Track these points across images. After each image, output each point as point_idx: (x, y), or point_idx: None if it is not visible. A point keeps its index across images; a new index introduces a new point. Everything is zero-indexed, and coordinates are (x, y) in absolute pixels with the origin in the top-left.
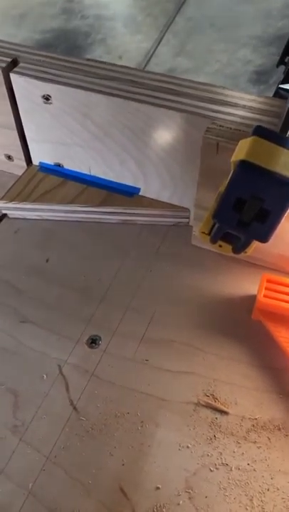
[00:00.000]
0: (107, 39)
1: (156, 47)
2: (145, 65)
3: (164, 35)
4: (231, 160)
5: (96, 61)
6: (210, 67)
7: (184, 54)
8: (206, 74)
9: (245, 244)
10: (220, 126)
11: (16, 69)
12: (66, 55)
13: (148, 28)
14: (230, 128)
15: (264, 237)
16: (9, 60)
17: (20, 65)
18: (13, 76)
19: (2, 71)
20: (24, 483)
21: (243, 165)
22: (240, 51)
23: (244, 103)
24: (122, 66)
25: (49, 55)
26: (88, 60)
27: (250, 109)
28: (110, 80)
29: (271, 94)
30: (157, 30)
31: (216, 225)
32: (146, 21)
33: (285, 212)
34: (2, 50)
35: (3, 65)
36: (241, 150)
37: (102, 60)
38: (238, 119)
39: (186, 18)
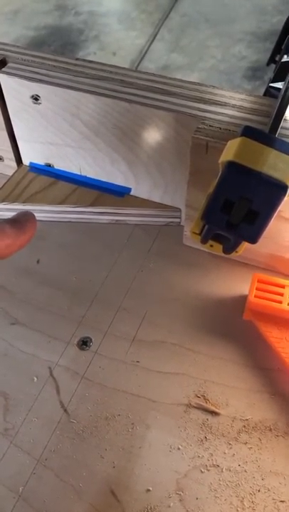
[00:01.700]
0: (101, 35)
1: (151, 43)
2: (139, 62)
3: (158, 31)
4: (219, 161)
5: (86, 61)
6: (205, 63)
7: (178, 50)
8: (201, 70)
9: (235, 245)
10: (209, 126)
11: (4, 69)
12: (56, 54)
13: (142, 25)
14: (220, 128)
15: (253, 238)
16: None
17: (9, 64)
18: (1, 76)
19: None
20: (14, 486)
21: (231, 166)
22: (235, 47)
23: (234, 102)
24: (111, 66)
25: (38, 55)
26: (78, 59)
27: (240, 108)
28: (100, 79)
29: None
30: (152, 26)
31: (206, 226)
32: (140, 17)
33: (274, 213)
34: None
35: None
36: (229, 151)
37: (96, 56)
38: (228, 119)
39: (181, 13)
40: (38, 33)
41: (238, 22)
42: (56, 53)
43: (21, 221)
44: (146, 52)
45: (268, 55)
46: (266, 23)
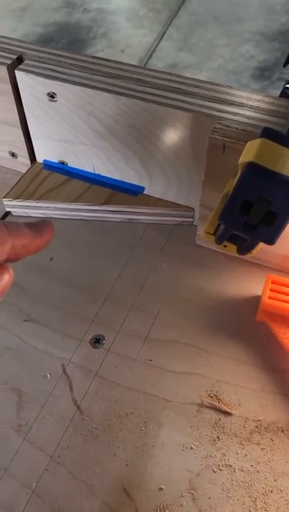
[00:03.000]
0: (110, 33)
1: (159, 41)
2: (147, 60)
3: (166, 30)
4: (239, 162)
5: (102, 59)
6: (212, 62)
7: (186, 49)
8: (209, 69)
9: (251, 246)
10: (226, 126)
11: (21, 66)
12: (71, 52)
13: (151, 23)
14: (237, 128)
15: (271, 240)
16: (14, 57)
17: (26, 62)
18: (18, 73)
19: (7, 68)
20: (28, 482)
21: (251, 167)
22: (243, 46)
23: (251, 103)
24: (127, 64)
25: (54, 52)
26: (94, 57)
27: (257, 109)
28: (116, 78)
29: (274, 90)
30: (160, 24)
31: (222, 227)
32: (148, 15)
33: None
34: (7, 46)
35: (8, 62)
36: (249, 152)
37: (104, 53)
38: (245, 120)
39: (189, 12)
40: (46, 29)
41: (246, 21)
42: (73, 51)
43: (38, 225)
44: (154, 51)
45: (276, 55)
46: (274, 23)
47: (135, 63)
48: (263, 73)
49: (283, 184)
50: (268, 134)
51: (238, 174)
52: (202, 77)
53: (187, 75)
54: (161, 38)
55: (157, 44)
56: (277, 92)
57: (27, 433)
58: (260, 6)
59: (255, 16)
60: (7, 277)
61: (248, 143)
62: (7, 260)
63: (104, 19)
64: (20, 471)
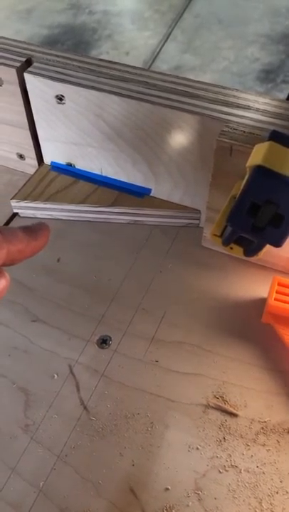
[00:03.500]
0: (114, 35)
1: (164, 43)
2: (152, 62)
3: (171, 32)
4: (247, 165)
5: (110, 62)
6: (217, 65)
7: (191, 51)
8: (213, 71)
9: (258, 248)
10: (234, 129)
11: (29, 69)
12: (79, 54)
13: (155, 25)
14: (244, 131)
15: (278, 242)
16: (23, 59)
17: (34, 64)
18: (27, 76)
19: (16, 71)
20: (35, 481)
21: (259, 170)
22: (247, 49)
23: (258, 106)
24: (135, 67)
25: (63, 55)
26: (101, 60)
27: (264, 112)
28: (124, 81)
29: (279, 92)
30: (165, 26)
31: (229, 229)
32: (153, 17)
33: None
34: (16, 49)
35: (17, 64)
36: (257, 155)
37: (109, 55)
38: (252, 122)
39: (194, 14)
40: (52, 31)
41: (251, 24)
42: (81, 53)
43: (34, 229)
44: (158, 53)
45: (281, 58)
46: (280, 26)
47: (140, 65)
48: (267, 76)
49: None
50: (276, 137)
51: (246, 177)
52: (206, 79)
53: (191, 77)
54: (166, 40)
55: (162, 46)
56: (282, 95)
57: (34, 432)
58: (265, 8)
59: (260, 19)
60: (3, 282)
61: (256, 146)
62: (3, 265)
63: (109, 21)
64: (28, 470)
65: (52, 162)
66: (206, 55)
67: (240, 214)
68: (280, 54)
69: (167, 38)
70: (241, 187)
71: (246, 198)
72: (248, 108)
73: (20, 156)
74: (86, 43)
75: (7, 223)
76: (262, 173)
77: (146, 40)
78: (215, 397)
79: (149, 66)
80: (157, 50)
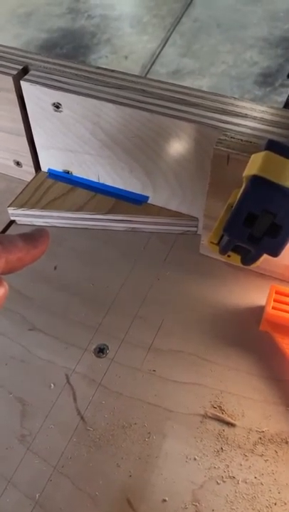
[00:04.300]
0: (113, 39)
1: (163, 47)
2: (151, 66)
3: (170, 36)
4: (243, 175)
5: (107, 69)
6: (216, 68)
7: (189, 55)
8: (212, 75)
9: (256, 257)
10: (231, 137)
11: (26, 76)
12: (76, 62)
13: (154, 29)
14: (241, 140)
15: (275, 252)
16: (20, 67)
17: (31, 72)
18: (23, 84)
19: (13, 79)
20: (31, 493)
21: (256, 180)
22: (246, 52)
23: (255, 114)
24: (132, 75)
25: (59, 63)
26: (98, 68)
27: (261, 120)
28: (121, 88)
29: (277, 96)
30: (163, 30)
31: (226, 238)
32: (152, 22)
33: None
34: (13, 57)
35: (14, 72)
36: (254, 165)
37: (107, 59)
38: (249, 131)
39: (193, 18)
40: (51, 35)
41: (249, 28)
42: (77, 61)
43: (34, 236)
44: (157, 57)
45: (279, 61)
46: (278, 30)
47: (138, 69)
48: (266, 79)
49: (287, 197)
50: (272, 146)
51: (243, 187)
52: (205, 82)
53: (190, 80)
54: (165, 44)
55: (161, 50)
56: (280, 98)
57: (31, 443)
58: (264, 12)
59: (258, 23)
60: (2, 290)
61: (253, 155)
62: (2, 273)
63: (108, 25)
64: (24, 481)
65: (49, 169)
66: (204, 59)
67: (236, 224)
68: (278, 58)
69: (166, 41)
70: (238, 197)
71: (243, 208)
72: (245, 116)
73: (18, 163)
74: (85, 47)
75: (4, 231)
76: (258, 183)
77: (145, 44)
78: (212, 406)
79: (148, 70)
80: (156, 54)
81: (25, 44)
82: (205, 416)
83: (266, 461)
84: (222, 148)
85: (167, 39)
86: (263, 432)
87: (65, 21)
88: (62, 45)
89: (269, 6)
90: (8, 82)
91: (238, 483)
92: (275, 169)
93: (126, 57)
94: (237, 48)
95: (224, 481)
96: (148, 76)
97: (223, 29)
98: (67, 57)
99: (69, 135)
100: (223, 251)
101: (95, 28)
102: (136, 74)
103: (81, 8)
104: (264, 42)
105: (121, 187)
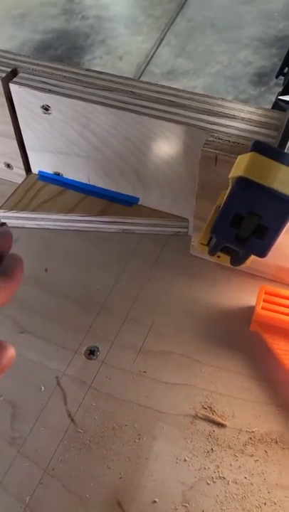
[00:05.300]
0: (108, 40)
1: (157, 48)
2: (145, 66)
3: (164, 36)
4: (229, 176)
5: (96, 71)
6: (210, 68)
7: (184, 55)
8: (207, 75)
9: (244, 258)
10: (219, 138)
11: (15, 79)
12: (65, 64)
13: (149, 29)
14: (229, 141)
15: (262, 253)
16: (9, 70)
17: (20, 75)
18: (12, 86)
19: (2, 81)
20: (21, 496)
21: (241, 181)
22: (241, 52)
23: (243, 115)
24: (121, 77)
25: (48, 65)
26: (87, 70)
27: (249, 121)
28: (110, 90)
29: (272, 95)
30: (158, 31)
31: (214, 239)
32: (147, 22)
33: (283, 228)
34: (2, 59)
35: (3, 75)
36: (239, 166)
37: (102, 60)
38: (237, 132)
39: (188, 19)
40: (45, 36)
41: (244, 28)
42: (66, 63)
43: (9, 269)
44: (152, 57)
45: (274, 61)
46: (272, 29)
47: (133, 70)
48: (260, 79)
49: (273, 198)
50: (259, 148)
51: (229, 188)
52: (200, 83)
53: (185, 81)
54: (160, 45)
55: (155, 50)
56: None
57: (21, 445)
58: (258, 12)
59: (253, 23)
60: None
61: (239, 157)
62: None
63: (103, 26)
64: (14, 484)
65: (39, 171)
66: (199, 59)
67: (223, 225)
68: (273, 57)
69: (160, 42)
70: (224, 198)
71: (229, 210)
72: (233, 117)
73: (8, 166)
74: (79, 48)
75: None
76: (244, 185)
77: (140, 44)
78: (203, 407)
79: (143, 70)
80: (151, 55)
81: (20, 46)
82: (195, 417)
83: (256, 461)
84: (210, 150)
85: (162, 39)
86: (253, 432)
87: (59, 22)
88: (57, 47)
89: (263, 5)
90: None
91: (228, 483)
92: (261, 170)
93: (120, 58)
94: (232, 47)
95: (214, 482)
96: (143, 76)
97: (218, 29)
98: (61, 58)
99: (59, 137)
100: (211, 252)
101: (90, 29)
102: (129, 75)
103: (75, 9)
104: (259, 42)
105: (112, 189)
